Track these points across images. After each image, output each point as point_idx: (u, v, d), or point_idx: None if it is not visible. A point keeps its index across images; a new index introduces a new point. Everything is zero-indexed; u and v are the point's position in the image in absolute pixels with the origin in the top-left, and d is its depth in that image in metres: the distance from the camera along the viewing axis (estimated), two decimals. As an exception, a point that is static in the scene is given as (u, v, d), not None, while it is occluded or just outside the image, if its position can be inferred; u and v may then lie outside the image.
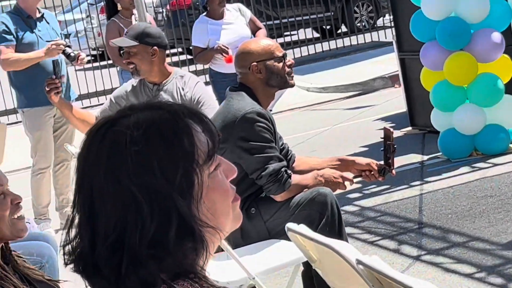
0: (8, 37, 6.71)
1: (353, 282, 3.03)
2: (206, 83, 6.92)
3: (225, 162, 1.48)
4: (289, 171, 4.31)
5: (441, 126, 7.58)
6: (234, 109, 4.28)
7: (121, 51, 5.44)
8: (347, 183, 4.41)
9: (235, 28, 7.89)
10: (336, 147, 8.60)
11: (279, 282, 5.07)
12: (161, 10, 16.48)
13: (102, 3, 13.80)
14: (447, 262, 5.16)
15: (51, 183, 7.03)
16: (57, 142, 6.93)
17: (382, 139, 4.48)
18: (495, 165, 7.08)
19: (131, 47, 5.04)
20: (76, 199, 1.43)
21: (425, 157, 7.69)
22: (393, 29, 9.11)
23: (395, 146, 4.45)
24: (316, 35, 17.13)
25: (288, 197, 4.28)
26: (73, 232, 1.43)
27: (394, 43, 9.09)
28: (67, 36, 14.47)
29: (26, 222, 2.94)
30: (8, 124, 9.85)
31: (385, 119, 9.56)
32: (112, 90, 10.68)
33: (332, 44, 15.49)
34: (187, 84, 5.07)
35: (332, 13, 16.59)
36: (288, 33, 16.23)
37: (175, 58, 15.04)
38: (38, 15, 6.88)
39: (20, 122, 7.52)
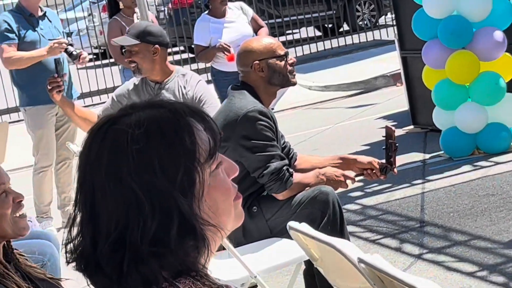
0: (11, 35, 6.71)
1: (355, 280, 3.03)
2: (208, 82, 6.93)
3: (227, 161, 1.48)
4: (290, 170, 4.30)
5: (443, 124, 7.57)
6: (236, 108, 4.27)
7: (123, 50, 5.43)
8: (349, 181, 4.41)
9: (237, 26, 7.88)
10: (338, 145, 8.60)
11: (281, 280, 5.07)
12: (163, 9, 16.48)
13: (104, 2, 13.82)
14: (449, 260, 5.15)
15: (53, 181, 7.03)
16: (59, 141, 6.92)
17: (384, 138, 4.47)
18: (497, 163, 7.06)
19: (132, 45, 5.03)
20: (77, 198, 1.43)
21: (427, 156, 7.68)
22: (395, 27, 9.09)
23: (397, 144, 4.44)
24: (318, 33, 17.13)
25: (290, 195, 4.28)
26: (75, 231, 1.43)
27: (396, 41, 9.07)
28: (69, 34, 14.45)
29: (28, 221, 2.93)
30: (10, 122, 9.82)
31: (387, 117, 9.55)
32: (113, 88, 10.72)
33: (334, 43, 15.49)
34: (188, 83, 5.06)
35: (334, 12, 16.59)
36: (290, 31, 16.23)
37: (177, 57, 15.04)
38: (40, 13, 6.87)
39: (22, 120, 7.51)
